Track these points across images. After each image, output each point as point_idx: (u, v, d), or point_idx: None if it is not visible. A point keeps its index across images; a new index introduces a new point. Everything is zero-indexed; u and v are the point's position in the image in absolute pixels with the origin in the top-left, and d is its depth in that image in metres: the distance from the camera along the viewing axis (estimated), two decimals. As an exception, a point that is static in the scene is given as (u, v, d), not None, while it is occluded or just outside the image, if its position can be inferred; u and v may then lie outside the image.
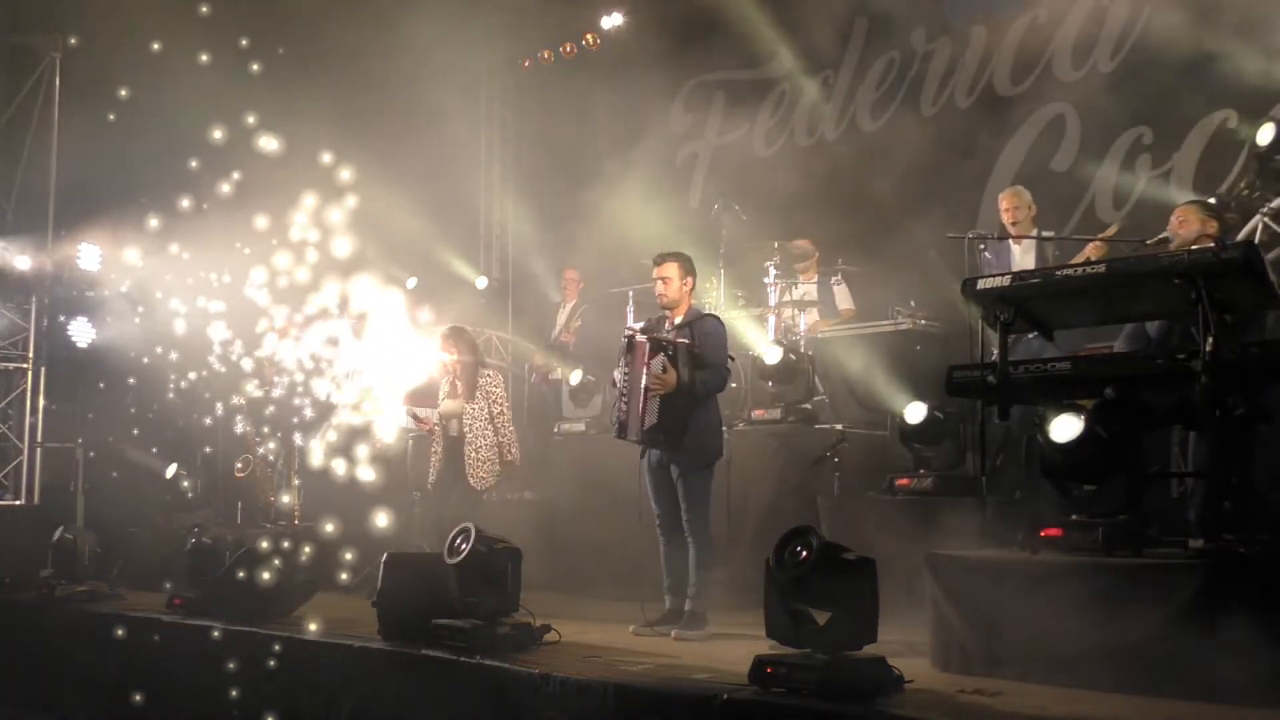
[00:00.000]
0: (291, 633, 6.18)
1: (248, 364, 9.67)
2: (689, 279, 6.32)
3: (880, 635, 4.26)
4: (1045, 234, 7.27)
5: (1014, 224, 7.30)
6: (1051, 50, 8.76)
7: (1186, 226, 5.76)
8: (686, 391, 6.04)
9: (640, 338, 6.17)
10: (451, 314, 9.03)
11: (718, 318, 6.43)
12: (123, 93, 9.97)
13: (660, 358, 6.04)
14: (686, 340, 6.10)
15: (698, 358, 6.08)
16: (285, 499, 9.34)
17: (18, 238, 10.40)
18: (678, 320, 6.31)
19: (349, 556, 7.49)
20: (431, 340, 7.73)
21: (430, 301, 9.36)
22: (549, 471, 8.79)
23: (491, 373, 7.58)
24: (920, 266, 7.98)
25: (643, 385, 6.04)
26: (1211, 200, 6.39)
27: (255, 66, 9.43)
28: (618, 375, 6.30)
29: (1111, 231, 7.11)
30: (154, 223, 10.02)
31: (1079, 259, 6.78)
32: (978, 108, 9.18)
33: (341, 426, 8.71)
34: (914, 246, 8.04)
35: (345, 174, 8.52)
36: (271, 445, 9.51)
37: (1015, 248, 7.29)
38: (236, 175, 9.26)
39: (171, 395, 10.00)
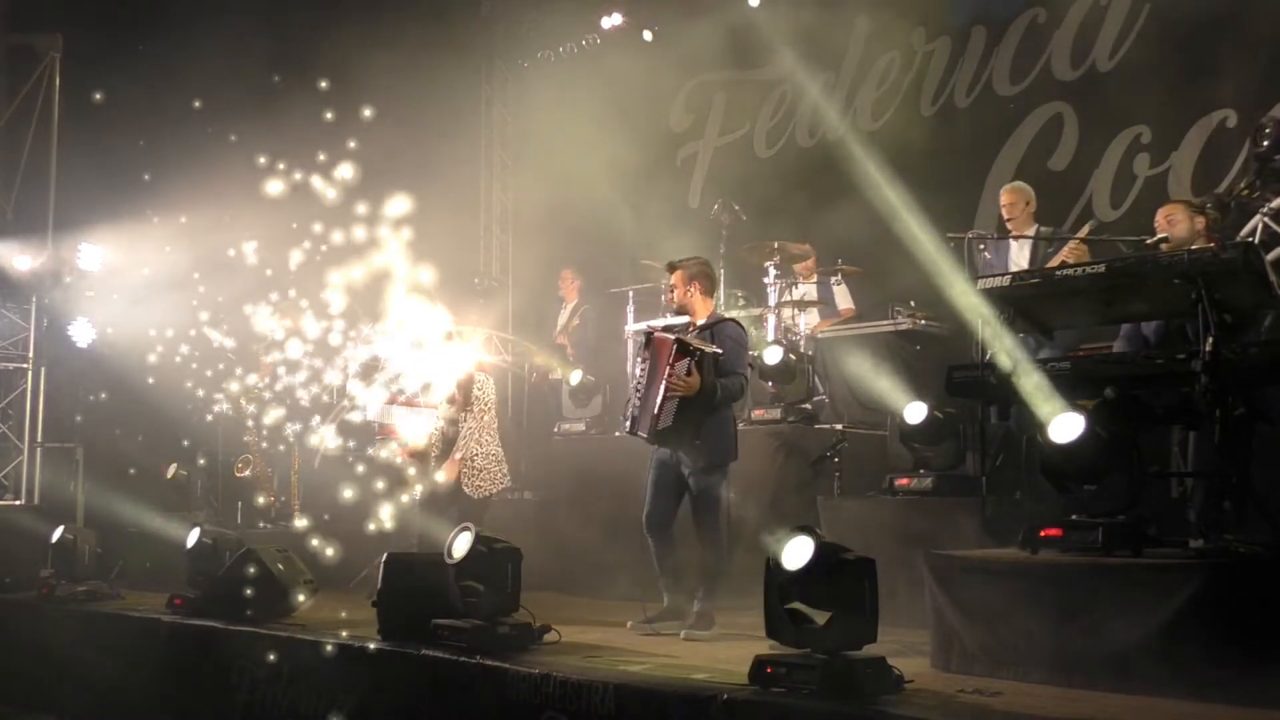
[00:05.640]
0: (291, 633, 6.18)
1: (247, 362, 9.67)
2: (694, 284, 6.35)
3: (880, 635, 4.25)
4: (1043, 228, 7.25)
5: (1010, 220, 7.26)
6: (1050, 49, 8.77)
7: (1176, 225, 5.78)
8: (707, 397, 6.05)
9: (667, 336, 6.18)
10: (452, 314, 8.99)
11: (739, 323, 6.44)
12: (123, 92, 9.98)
13: (686, 361, 6.02)
14: (709, 345, 6.09)
15: (720, 365, 6.09)
16: (285, 498, 9.34)
17: (18, 238, 10.38)
18: (699, 323, 6.35)
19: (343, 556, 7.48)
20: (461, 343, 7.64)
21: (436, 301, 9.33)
22: (549, 471, 8.79)
23: (483, 378, 7.55)
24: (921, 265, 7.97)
25: (662, 385, 6.02)
26: (1196, 200, 6.39)
27: (252, 67, 9.44)
28: (634, 370, 6.31)
29: (1085, 231, 7.09)
30: (155, 221, 10.01)
31: (1056, 260, 6.77)
32: (977, 107, 9.19)
33: (346, 424, 8.69)
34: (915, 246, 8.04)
35: (345, 173, 8.50)
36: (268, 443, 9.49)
37: (1013, 245, 7.29)
38: (233, 175, 9.24)
39: (171, 394, 9.97)
